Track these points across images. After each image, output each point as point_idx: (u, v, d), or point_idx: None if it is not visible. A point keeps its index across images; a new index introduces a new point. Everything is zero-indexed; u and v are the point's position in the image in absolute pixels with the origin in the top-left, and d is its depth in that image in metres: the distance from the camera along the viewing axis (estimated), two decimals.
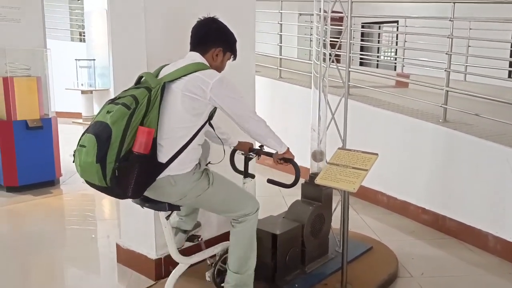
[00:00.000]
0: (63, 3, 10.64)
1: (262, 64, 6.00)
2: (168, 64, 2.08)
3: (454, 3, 3.89)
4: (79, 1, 9.87)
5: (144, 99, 1.82)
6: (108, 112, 1.79)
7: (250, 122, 2.03)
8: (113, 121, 1.75)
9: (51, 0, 9.86)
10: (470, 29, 6.09)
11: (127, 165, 1.78)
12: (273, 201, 4.16)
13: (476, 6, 5.71)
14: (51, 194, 4.60)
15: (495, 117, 3.56)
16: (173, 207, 2.05)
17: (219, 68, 2.13)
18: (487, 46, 5.95)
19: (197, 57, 2.06)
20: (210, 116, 2.05)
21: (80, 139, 1.83)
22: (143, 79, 1.99)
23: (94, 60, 9.11)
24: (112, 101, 1.86)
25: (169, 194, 1.99)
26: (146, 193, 1.97)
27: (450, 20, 3.92)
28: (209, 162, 2.37)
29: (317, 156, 2.97)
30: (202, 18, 2.15)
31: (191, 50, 2.13)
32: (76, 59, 9.07)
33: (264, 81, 5.70)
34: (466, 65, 5.75)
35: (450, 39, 3.92)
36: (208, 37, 2.10)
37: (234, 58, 2.24)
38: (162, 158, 1.92)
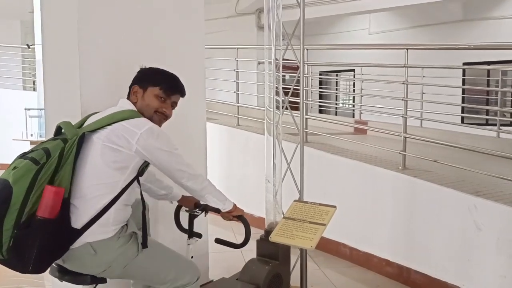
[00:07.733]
0: (15, 51, 10.29)
1: (220, 112, 5.87)
2: (97, 112, 1.86)
3: (407, 49, 3.90)
4: (30, 50, 9.54)
5: (57, 152, 1.57)
6: (14, 168, 1.52)
7: (185, 176, 1.79)
8: (16, 179, 1.48)
9: (2, 48, 9.55)
10: (423, 76, 6.21)
11: (29, 232, 1.49)
12: (229, 257, 3.84)
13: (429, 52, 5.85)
14: None
15: (452, 162, 3.50)
16: (97, 280, 1.73)
17: (147, 107, 1.85)
18: (440, 93, 6.10)
19: (126, 104, 1.85)
20: (141, 172, 1.79)
21: None
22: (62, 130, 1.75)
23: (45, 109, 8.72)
24: (23, 155, 1.60)
25: (90, 265, 1.69)
26: (64, 264, 1.68)
27: (404, 67, 3.92)
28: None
29: None
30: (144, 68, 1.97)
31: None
32: (25, 108, 8.66)
33: (221, 129, 5.54)
34: (422, 111, 5.81)
35: (405, 85, 3.90)
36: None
37: (167, 91, 1.88)
38: (76, 222, 1.63)
